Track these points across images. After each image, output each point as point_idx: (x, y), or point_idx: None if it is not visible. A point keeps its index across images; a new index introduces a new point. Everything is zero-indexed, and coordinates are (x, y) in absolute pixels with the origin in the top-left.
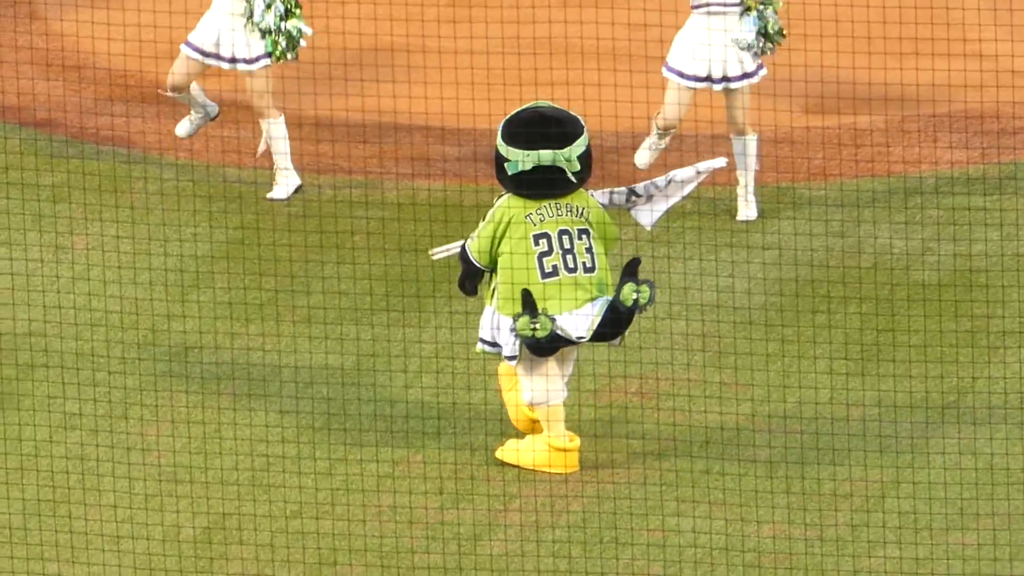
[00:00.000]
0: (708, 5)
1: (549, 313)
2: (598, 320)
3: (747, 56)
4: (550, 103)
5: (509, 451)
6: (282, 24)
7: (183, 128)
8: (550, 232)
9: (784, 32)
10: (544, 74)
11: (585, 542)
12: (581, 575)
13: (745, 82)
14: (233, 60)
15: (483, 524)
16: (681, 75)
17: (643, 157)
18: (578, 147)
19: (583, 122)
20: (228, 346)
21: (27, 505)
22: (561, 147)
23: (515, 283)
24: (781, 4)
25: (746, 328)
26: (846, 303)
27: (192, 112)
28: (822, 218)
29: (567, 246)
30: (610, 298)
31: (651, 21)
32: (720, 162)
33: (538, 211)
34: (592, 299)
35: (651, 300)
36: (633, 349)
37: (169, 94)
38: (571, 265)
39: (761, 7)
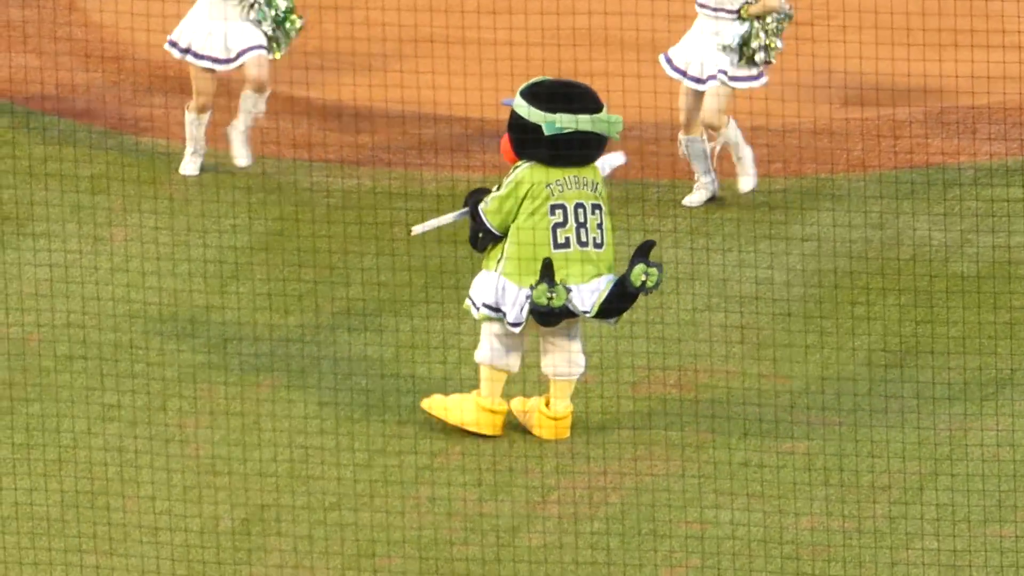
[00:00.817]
0: (702, 7)
1: (566, 284)
2: (604, 297)
3: (727, 61)
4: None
5: (437, 404)
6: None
7: (190, 167)
8: (567, 204)
9: (776, 49)
10: (584, 65)
11: (623, 534)
12: (620, 567)
13: (718, 84)
14: (236, 57)
15: (522, 516)
16: (668, 61)
17: (696, 198)
18: (609, 114)
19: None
20: (267, 337)
21: (65, 497)
22: (597, 113)
23: (527, 247)
24: (785, 26)
25: (785, 320)
26: (885, 295)
27: (192, 148)
28: (861, 209)
29: (581, 219)
30: (615, 276)
31: (691, 12)
32: (619, 158)
33: (558, 182)
34: (599, 275)
35: (658, 284)
36: (672, 341)
37: (193, 119)
38: (583, 239)
39: (759, 23)
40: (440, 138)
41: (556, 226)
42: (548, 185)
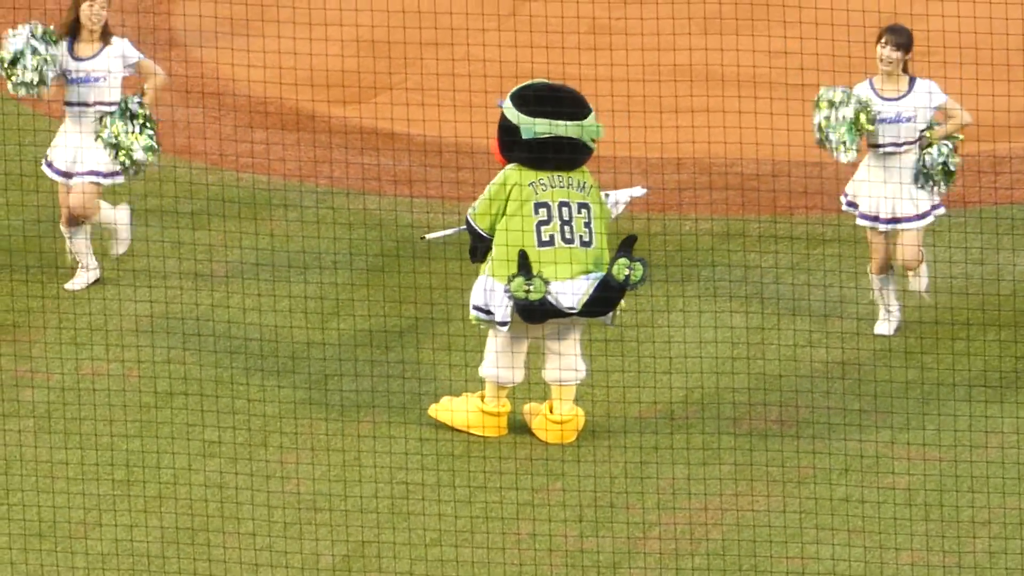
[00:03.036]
0: (881, 146)
1: (544, 277)
2: (589, 294)
3: (922, 195)
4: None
5: (443, 409)
6: (131, 141)
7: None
8: (550, 202)
9: (957, 167)
10: (685, 101)
11: (724, 570)
12: None
13: (916, 224)
14: (88, 174)
15: (622, 552)
16: (859, 213)
17: (882, 327)
18: (594, 121)
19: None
20: (368, 374)
21: (165, 533)
22: (580, 119)
23: (511, 247)
24: (961, 139)
25: (885, 355)
26: (985, 330)
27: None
28: (961, 245)
29: (566, 217)
30: (603, 274)
31: (791, 48)
32: (639, 191)
33: (541, 181)
34: (586, 273)
35: (643, 279)
36: (773, 377)
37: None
38: (568, 236)
39: (945, 144)
40: None
41: (540, 224)
42: (531, 184)
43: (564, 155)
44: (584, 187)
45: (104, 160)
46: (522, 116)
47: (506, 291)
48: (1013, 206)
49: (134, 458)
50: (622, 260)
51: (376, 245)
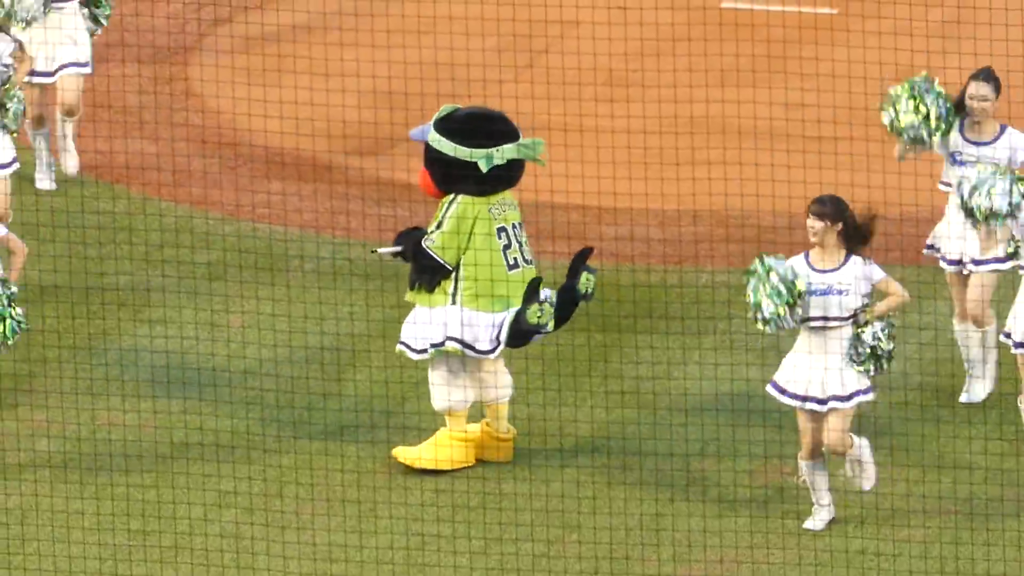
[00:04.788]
0: (811, 319)
1: (549, 300)
2: (554, 310)
3: (850, 377)
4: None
5: (409, 452)
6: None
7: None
8: (506, 226)
9: (892, 355)
10: (701, 153)
11: None
12: None
13: (843, 405)
14: None
15: None
16: (782, 391)
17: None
18: (529, 139)
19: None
20: (383, 424)
21: None
22: (515, 140)
23: (486, 278)
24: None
25: (902, 408)
26: (1001, 383)
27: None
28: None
29: (519, 238)
30: (548, 289)
31: (808, 101)
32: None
33: (495, 207)
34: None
35: (594, 288)
36: (789, 429)
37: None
38: (526, 256)
39: (879, 325)
40: (557, 226)
41: (504, 249)
42: (491, 211)
43: (510, 176)
44: (515, 205)
45: None
46: (468, 150)
47: (521, 319)
48: None
49: (150, 508)
50: (586, 274)
51: (392, 296)
